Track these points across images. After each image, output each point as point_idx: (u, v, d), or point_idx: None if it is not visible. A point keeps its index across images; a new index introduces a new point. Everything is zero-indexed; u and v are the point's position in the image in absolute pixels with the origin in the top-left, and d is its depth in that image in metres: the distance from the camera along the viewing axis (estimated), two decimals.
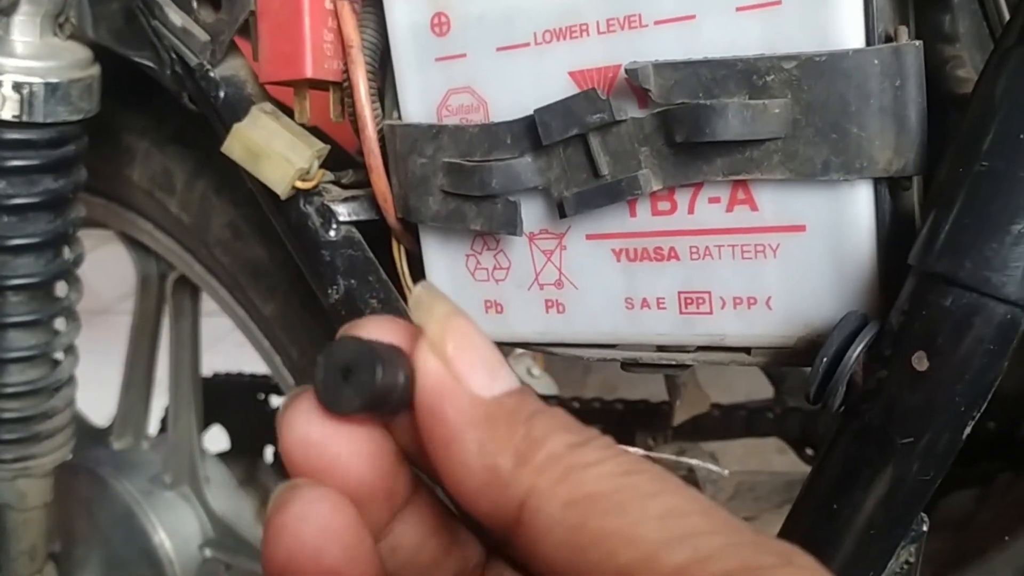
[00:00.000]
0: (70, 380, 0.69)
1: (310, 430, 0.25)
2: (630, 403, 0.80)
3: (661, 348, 0.44)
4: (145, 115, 0.70)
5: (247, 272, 0.67)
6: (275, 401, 1.03)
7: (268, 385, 1.02)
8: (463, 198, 0.45)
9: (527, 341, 0.47)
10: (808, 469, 0.75)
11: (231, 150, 0.49)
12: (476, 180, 0.43)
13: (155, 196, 0.70)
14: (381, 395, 0.24)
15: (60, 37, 0.60)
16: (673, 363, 0.44)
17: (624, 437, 0.79)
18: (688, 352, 0.43)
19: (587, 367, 1.98)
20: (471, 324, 0.25)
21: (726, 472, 0.48)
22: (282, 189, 0.48)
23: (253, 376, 1.03)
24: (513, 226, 0.44)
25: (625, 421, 0.79)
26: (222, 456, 0.98)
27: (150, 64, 0.55)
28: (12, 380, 0.65)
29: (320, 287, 0.51)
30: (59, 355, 0.68)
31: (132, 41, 0.56)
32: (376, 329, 0.26)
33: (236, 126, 0.48)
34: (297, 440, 0.25)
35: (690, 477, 0.70)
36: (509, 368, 0.25)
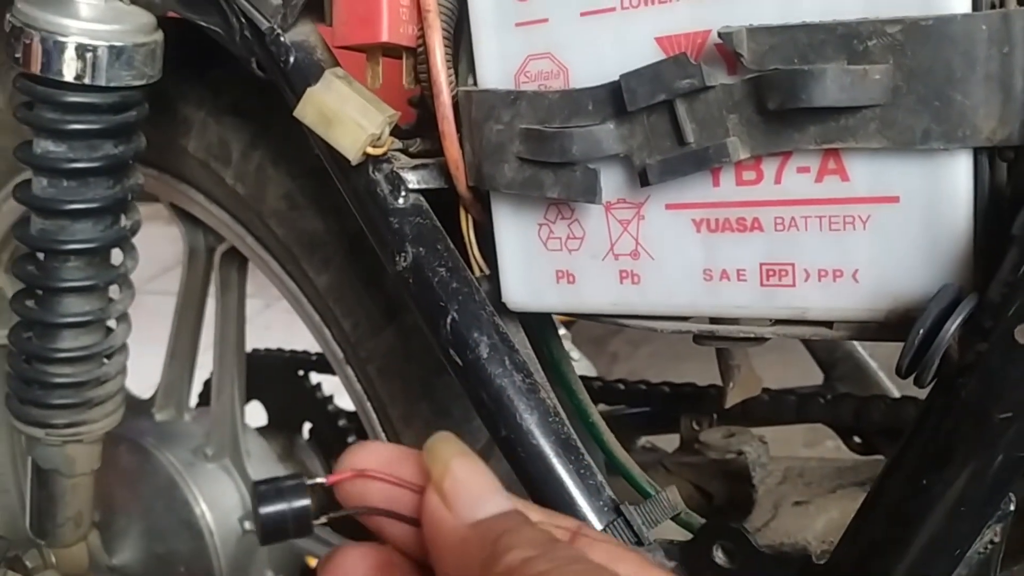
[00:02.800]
0: (122, 347, 0.69)
1: None
2: (676, 386, 0.79)
3: (737, 321, 0.43)
4: (202, 86, 0.70)
5: (302, 243, 0.67)
6: (314, 378, 1.03)
7: (308, 362, 1.02)
8: (540, 165, 0.44)
9: (599, 312, 0.47)
10: (855, 457, 0.75)
11: (303, 114, 0.48)
12: (556, 146, 0.43)
13: (210, 167, 0.70)
14: (272, 528, 0.31)
15: (124, 1, 0.60)
16: (750, 336, 0.43)
17: (669, 420, 0.78)
18: (766, 325, 0.43)
19: (614, 357, 1.98)
20: (470, 465, 0.31)
21: None
22: (353, 154, 0.48)
23: (293, 352, 1.03)
24: (592, 194, 0.43)
25: (671, 404, 0.78)
26: (260, 431, 0.98)
27: (217, 29, 0.55)
28: (66, 345, 0.65)
29: (387, 254, 0.50)
30: (112, 322, 0.68)
31: (198, 5, 0.56)
32: (370, 457, 0.33)
33: (310, 90, 0.48)
34: None
35: (740, 460, 0.70)
36: (503, 495, 0.31)
